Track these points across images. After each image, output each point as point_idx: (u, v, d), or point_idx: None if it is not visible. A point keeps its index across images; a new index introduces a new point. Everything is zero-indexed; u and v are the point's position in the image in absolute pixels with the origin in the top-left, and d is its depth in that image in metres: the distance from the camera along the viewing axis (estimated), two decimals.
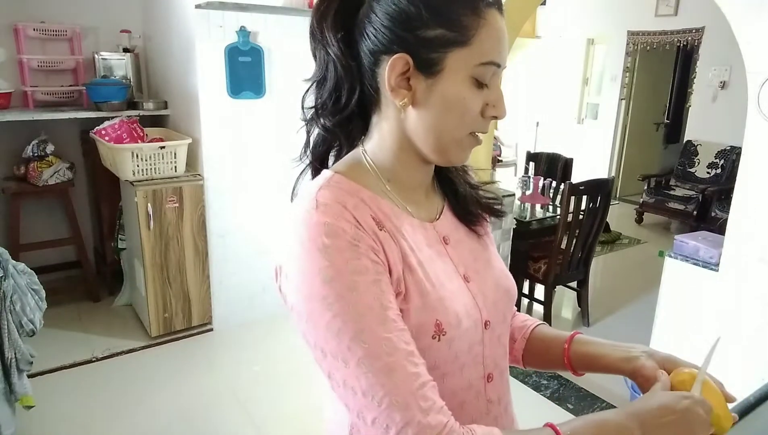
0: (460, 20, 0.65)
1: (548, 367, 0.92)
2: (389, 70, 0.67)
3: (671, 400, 0.68)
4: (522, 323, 0.93)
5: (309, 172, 0.78)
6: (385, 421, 0.59)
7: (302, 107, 0.74)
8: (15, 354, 1.95)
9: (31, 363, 2.05)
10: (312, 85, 0.73)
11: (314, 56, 0.73)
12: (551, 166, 4.15)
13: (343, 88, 0.70)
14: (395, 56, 0.66)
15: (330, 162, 0.78)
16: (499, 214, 0.86)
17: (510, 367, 0.87)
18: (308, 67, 0.75)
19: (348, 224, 0.64)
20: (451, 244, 0.78)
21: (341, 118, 0.72)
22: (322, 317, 0.61)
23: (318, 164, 0.78)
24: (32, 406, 2.10)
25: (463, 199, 0.83)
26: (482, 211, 0.84)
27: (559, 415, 2.52)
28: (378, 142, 0.74)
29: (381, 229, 0.68)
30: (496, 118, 0.71)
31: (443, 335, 0.68)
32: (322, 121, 0.73)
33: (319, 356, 0.64)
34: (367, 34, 0.68)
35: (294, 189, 0.78)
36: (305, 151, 0.78)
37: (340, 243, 0.62)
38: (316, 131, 0.75)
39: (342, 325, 0.61)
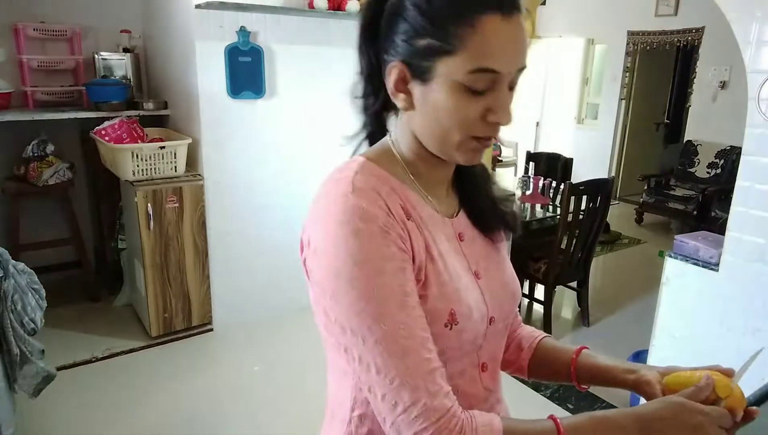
0: (447, 29, 0.66)
1: (552, 379, 0.94)
2: (387, 76, 0.72)
3: (685, 414, 0.68)
4: (529, 334, 0.96)
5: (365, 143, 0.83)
6: (394, 398, 0.63)
7: (352, 96, 0.79)
8: (24, 348, 1.96)
9: (43, 351, 2.07)
10: (358, 77, 0.78)
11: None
12: (551, 166, 4.15)
13: (371, 84, 0.76)
14: (391, 64, 0.70)
15: (363, 147, 0.83)
16: (514, 231, 0.88)
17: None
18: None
19: (381, 211, 0.67)
20: (466, 241, 0.80)
21: (372, 112, 0.78)
22: (347, 296, 0.65)
23: (377, 130, 0.81)
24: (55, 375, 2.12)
25: (480, 212, 0.84)
26: (500, 225, 0.86)
27: (559, 415, 2.52)
28: (400, 136, 0.78)
29: (408, 219, 0.71)
30: (499, 124, 0.70)
31: (455, 325, 0.71)
32: (363, 110, 0.79)
33: (338, 331, 0.67)
34: (380, 42, 0.73)
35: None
36: (361, 132, 0.82)
37: (372, 228, 0.65)
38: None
39: (365, 306, 0.64)
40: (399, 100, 0.72)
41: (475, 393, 0.79)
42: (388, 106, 0.77)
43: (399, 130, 0.77)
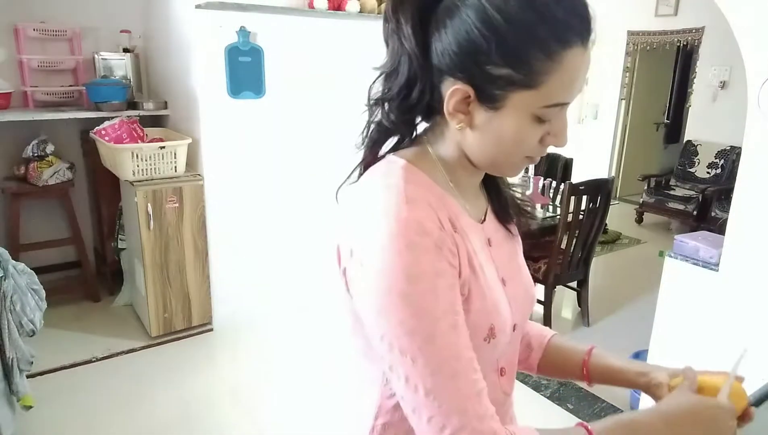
0: (531, 63, 0.61)
1: (562, 376, 0.95)
2: (448, 96, 0.66)
3: (701, 407, 0.70)
4: (539, 333, 0.95)
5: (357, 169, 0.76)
6: (442, 421, 0.60)
7: (368, 95, 0.72)
8: (15, 354, 1.95)
9: (31, 363, 2.06)
10: (381, 75, 0.71)
11: (386, 43, 0.70)
12: (551, 166, 4.15)
13: (415, 87, 0.68)
14: (456, 86, 0.65)
15: (383, 150, 0.76)
16: (530, 217, 0.87)
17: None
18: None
19: (434, 225, 0.64)
20: (494, 246, 0.78)
21: (409, 116, 0.71)
22: (398, 313, 0.61)
23: (371, 157, 0.75)
24: (31, 407, 2.10)
25: (504, 200, 0.83)
26: (517, 212, 0.85)
27: (559, 415, 2.52)
28: (440, 141, 0.73)
29: (455, 231, 0.68)
30: (555, 146, 0.70)
31: (494, 338, 0.70)
32: (387, 112, 0.71)
33: (385, 349, 0.64)
34: (436, 48, 0.65)
35: (347, 179, 0.75)
36: (363, 141, 0.75)
37: (427, 242, 0.62)
38: (376, 118, 0.73)
39: (417, 325, 0.61)
40: (455, 120, 0.67)
41: (494, 398, 0.77)
42: (425, 111, 0.72)
43: (441, 136, 0.73)
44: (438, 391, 0.61)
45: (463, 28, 0.62)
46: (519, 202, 0.86)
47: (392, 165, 0.70)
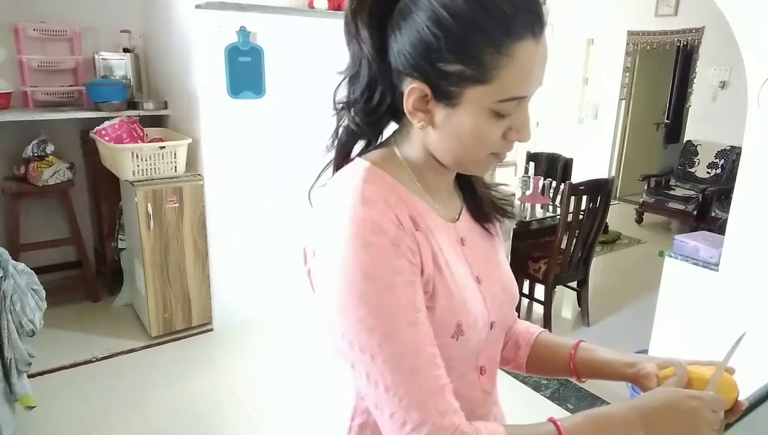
0: (481, 58, 0.62)
1: (551, 373, 0.93)
2: (406, 96, 0.67)
3: (678, 400, 0.69)
4: (526, 330, 0.94)
5: (330, 167, 0.78)
6: (403, 417, 0.61)
7: (334, 100, 0.74)
8: (14, 354, 1.95)
9: (30, 364, 2.05)
10: (344, 78, 0.72)
11: (348, 47, 0.71)
12: (551, 166, 4.15)
13: (377, 89, 0.70)
14: (412, 85, 0.66)
15: (354, 152, 0.77)
16: (509, 216, 0.87)
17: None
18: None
19: (391, 223, 0.65)
20: (467, 245, 0.79)
21: (373, 118, 0.72)
22: (356, 311, 0.63)
23: (340, 159, 0.77)
24: (33, 407, 2.10)
25: (479, 199, 0.83)
26: (495, 211, 0.85)
27: (559, 415, 2.52)
28: (407, 142, 0.74)
29: (417, 229, 0.69)
30: (519, 141, 0.70)
31: (462, 336, 0.70)
32: (353, 116, 0.73)
33: (346, 347, 0.65)
34: (393, 49, 0.67)
35: (316, 181, 0.77)
36: (333, 143, 0.77)
37: (383, 241, 0.63)
38: (344, 122, 0.75)
39: (375, 322, 0.62)
40: (416, 119, 0.68)
41: (474, 396, 0.78)
42: (392, 113, 0.73)
43: (408, 136, 0.74)
44: (397, 386, 0.61)
45: (415, 28, 0.63)
46: (497, 201, 0.86)
47: (357, 167, 0.71)
